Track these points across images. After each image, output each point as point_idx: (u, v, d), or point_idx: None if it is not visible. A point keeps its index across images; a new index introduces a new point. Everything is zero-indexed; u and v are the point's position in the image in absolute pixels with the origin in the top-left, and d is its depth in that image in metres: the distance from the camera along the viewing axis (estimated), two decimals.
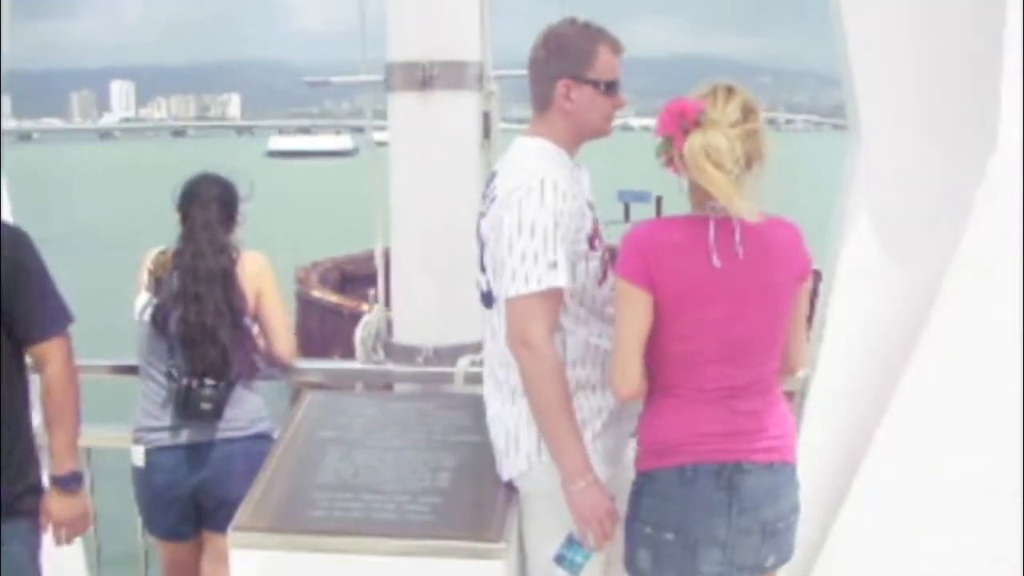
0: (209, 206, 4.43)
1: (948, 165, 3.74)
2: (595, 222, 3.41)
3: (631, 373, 3.23)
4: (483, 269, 3.46)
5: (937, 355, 3.66)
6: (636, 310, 3.18)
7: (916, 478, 3.72)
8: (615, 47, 3.43)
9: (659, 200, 24.44)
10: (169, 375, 4.34)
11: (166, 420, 4.37)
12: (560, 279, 3.22)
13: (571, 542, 3.34)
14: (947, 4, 3.73)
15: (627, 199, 27.95)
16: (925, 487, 3.72)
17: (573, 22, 3.45)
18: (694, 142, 3.07)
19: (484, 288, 3.47)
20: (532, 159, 3.36)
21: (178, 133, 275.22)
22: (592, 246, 3.38)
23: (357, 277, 24.36)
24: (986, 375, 3.67)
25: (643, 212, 24.27)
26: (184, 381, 4.31)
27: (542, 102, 3.44)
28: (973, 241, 3.64)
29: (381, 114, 4.79)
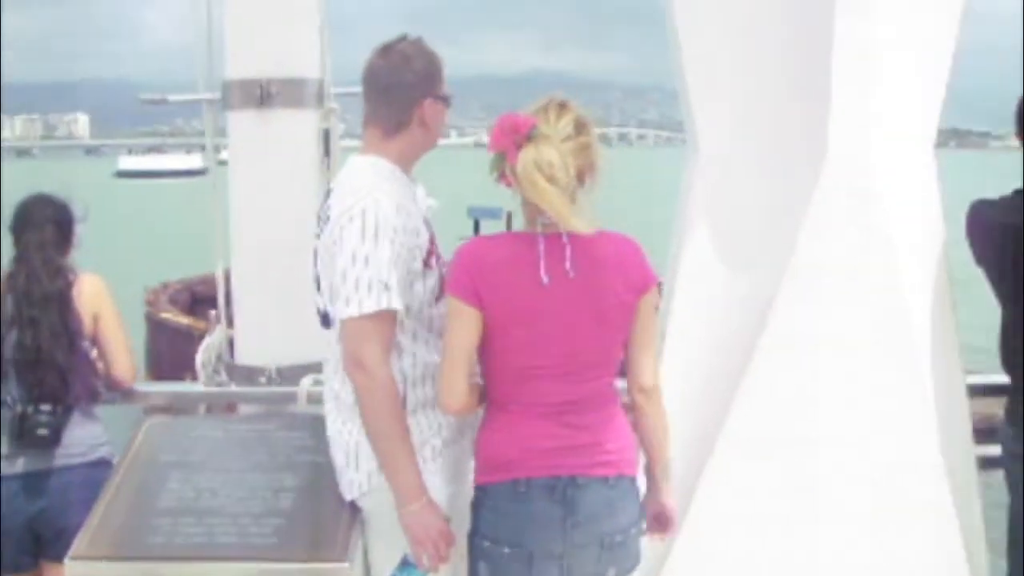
0: (43, 228, 4.33)
1: (782, 172, 3.80)
2: (431, 240, 3.41)
3: (457, 389, 3.23)
4: (319, 290, 3.44)
5: (774, 361, 3.72)
6: (463, 326, 3.19)
7: (757, 485, 3.78)
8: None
9: (509, 216, 24.53)
10: (3, 402, 4.22)
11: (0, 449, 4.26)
12: (393, 301, 3.21)
13: (406, 564, 3.34)
14: (778, 16, 3.79)
15: (477, 215, 27.97)
16: (766, 494, 3.78)
17: (409, 40, 3.46)
18: (527, 156, 3.08)
19: (321, 308, 3.45)
20: (366, 179, 3.35)
21: (23, 153, 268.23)
22: (428, 264, 3.38)
23: (208, 298, 23.91)
24: (822, 379, 3.75)
25: (494, 228, 24.35)
26: (19, 407, 4.20)
27: (396, 122, 3.42)
28: (808, 246, 3.71)
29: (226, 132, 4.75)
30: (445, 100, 3.46)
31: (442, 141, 3.62)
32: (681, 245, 3.90)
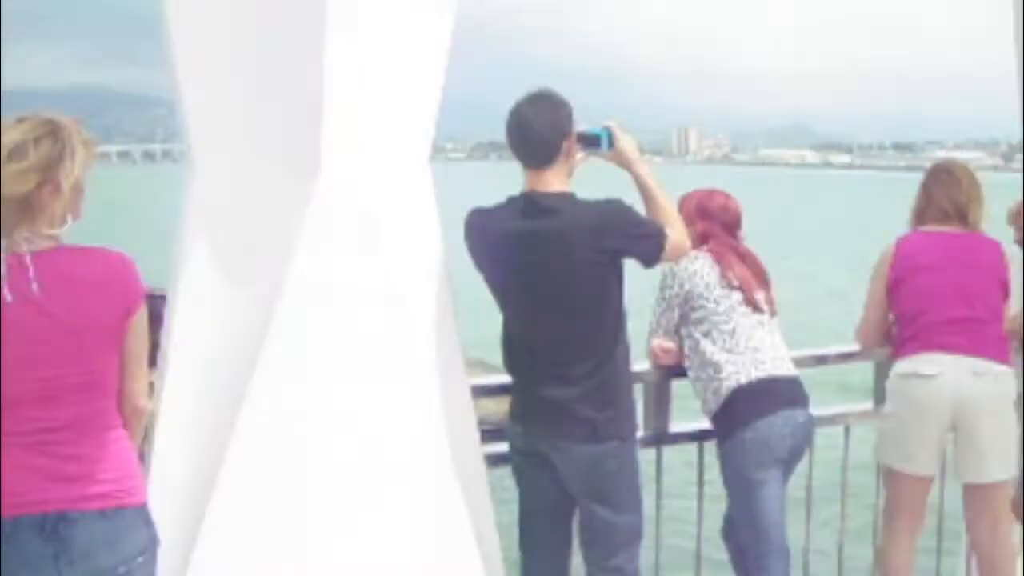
0: None
1: (280, 191, 3.80)
2: None
3: None
4: None
5: (277, 377, 3.71)
6: None
7: (270, 497, 3.76)
8: None
9: None
10: None
11: None
12: None
13: None
14: (271, 35, 3.79)
15: None
16: (279, 504, 3.77)
17: None
18: None
19: None
20: None
21: None
22: None
23: None
24: (327, 392, 3.79)
25: None
26: None
27: None
28: (305, 264, 3.73)
29: None
30: None
31: None
32: (180, 264, 3.83)
